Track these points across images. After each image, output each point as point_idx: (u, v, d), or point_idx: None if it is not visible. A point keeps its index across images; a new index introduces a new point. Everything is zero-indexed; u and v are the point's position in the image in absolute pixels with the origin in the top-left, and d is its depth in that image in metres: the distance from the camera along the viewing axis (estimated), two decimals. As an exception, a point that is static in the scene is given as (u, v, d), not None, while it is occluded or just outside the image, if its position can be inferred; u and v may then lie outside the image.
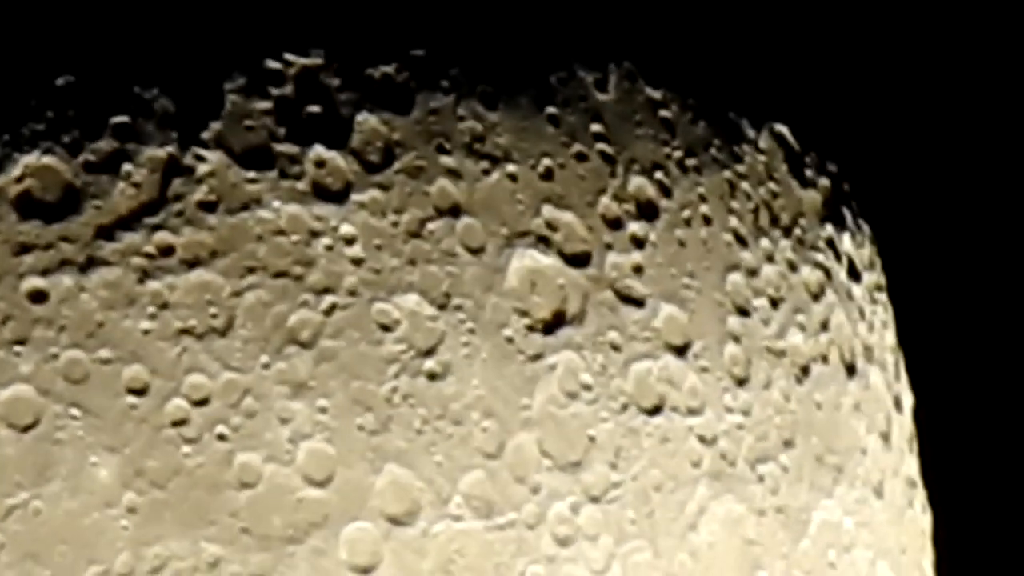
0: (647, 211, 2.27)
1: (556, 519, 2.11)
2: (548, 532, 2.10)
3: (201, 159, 1.97)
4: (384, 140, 2.07)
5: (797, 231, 2.48)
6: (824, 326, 2.49)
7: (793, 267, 2.46)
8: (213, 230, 1.96)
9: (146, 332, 1.92)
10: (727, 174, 2.39)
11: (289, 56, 2.02)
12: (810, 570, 2.39)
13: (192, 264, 1.95)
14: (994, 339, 4.42)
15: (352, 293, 2.02)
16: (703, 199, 2.34)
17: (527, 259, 2.15)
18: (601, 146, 2.23)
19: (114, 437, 1.91)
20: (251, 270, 1.98)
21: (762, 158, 2.47)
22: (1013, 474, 4.51)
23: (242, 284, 1.97)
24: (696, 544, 2.24)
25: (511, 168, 2.15)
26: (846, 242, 2.61)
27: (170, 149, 1.95)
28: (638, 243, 2.25)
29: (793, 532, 2.37)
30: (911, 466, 2.74)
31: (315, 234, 2.01)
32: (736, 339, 2.34)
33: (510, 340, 2.12)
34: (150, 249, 1.94)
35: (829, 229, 2.56)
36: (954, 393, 4.32)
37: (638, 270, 2.25)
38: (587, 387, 2.16)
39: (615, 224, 2.23)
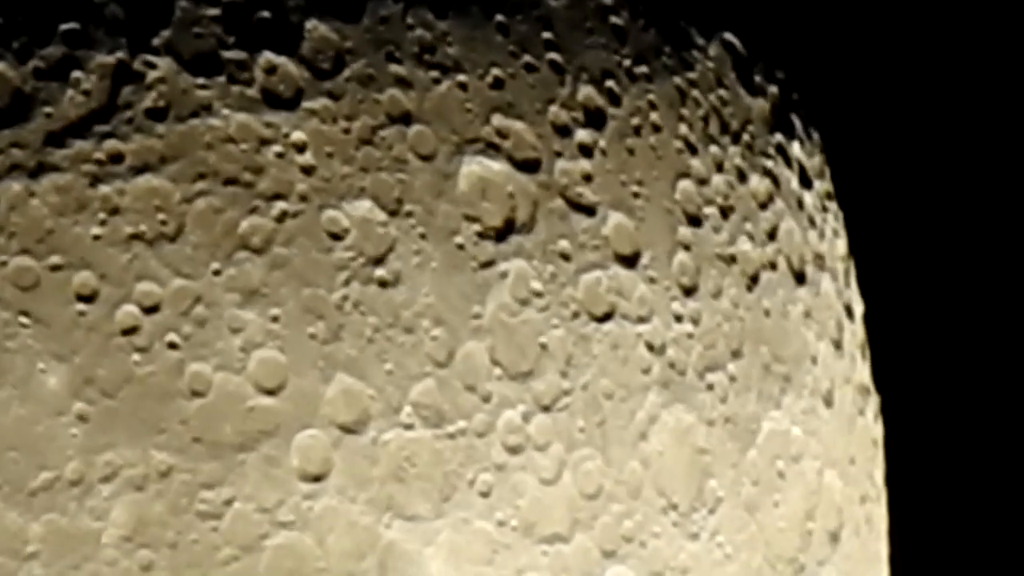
0: (596, 119, 2.33)
1: (506, 427, 2.19)
2: (498, 440, 2.19)
3: (151, 66, 2.02)
4: (334, 48, 2.13)
5: (746, 138, 2.55)
6: (773, 234, 2.57)
7: (742, 175, 2.54)
8: (163, 137, 2.02)
9: (96, 238, 1.99)
10: (677, 81, 2.46)
11: (237, -39, 2.07)
12: (758, 479, 2.48)
13: (142, 170, 2.01)
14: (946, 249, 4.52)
15: (303, 200, 2.09)
16: (653, 107, 2.41)
17: (477, 165, 2.22)
18: (551, 55, 2.29)
19: (63, 345, 1.97)
20: (201, 176, 2.04)
21: (711, 66, 2.53)
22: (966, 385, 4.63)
23: (192, 190, 2.04)
24: (647, 452, 2.33)
25: (461, 78, 2.21)
26: (795, 150, 2.68)
27: (120, 56, 2.01)
28: (587, 151, 2.32)
29: (742, 442, 2.47)
30: (863, 374, 2.83)
31: (265, 141, 2.07)
32: (686, 247, 2.42)
33: (461, 247, 2.19)
34: (100, 155, 2.00)
35: (778, 137, 2.64)
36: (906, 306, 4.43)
37: (587, 178, 2.32)
38: (538, 295, 2.24)
39: (564, 132, 2.29)
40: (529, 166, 2.27)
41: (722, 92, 2.54)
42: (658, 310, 2.37)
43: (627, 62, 2.39)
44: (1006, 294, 4.71)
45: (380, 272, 2.13)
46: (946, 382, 4.63)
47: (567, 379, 2.25)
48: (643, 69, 2.41)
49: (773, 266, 2.56)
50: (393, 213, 2.14)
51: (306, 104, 2.10)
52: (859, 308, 2.87)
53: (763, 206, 2.57)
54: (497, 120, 2.23)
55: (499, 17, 2.26)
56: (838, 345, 2.71)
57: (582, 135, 2.32)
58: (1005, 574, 4.79)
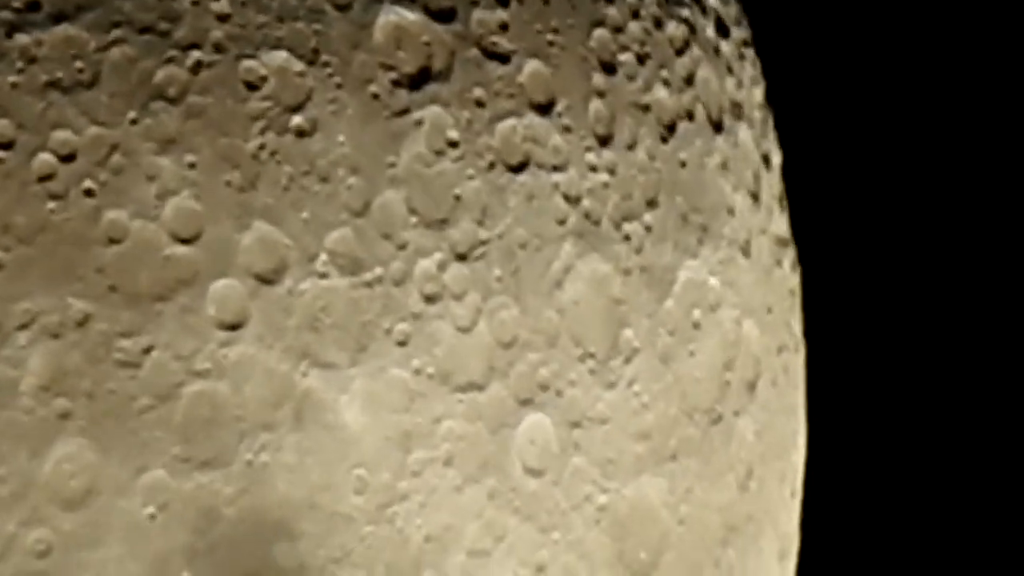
0: (513, -34, 2.42)
1: (423, 276, 2.29)
2: (415, 289, 2.28)
3: (65, -86, 2.09)
4: None
5: (662, -13, 2.63)
6: (690, 80, 2.66)
7: (659, 22, 2.61)
8: (78, -15, 2.09)
9: (13, 86, 2.06)
10: (593, -70, 2.53)
11: None
12: (674, 329, 2.59)
13: (58, 19, 2.08)
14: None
15: (219, 49, 2.17)
16: (568, -45, 2.49)
17: (393, 15, 2.30)
18: (465, -97, 2.36)
19: (-21, 192, 2.06)
20: (116, 25, 2.11)
21: (628, -88, 2.60)
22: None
23: (108, 39, 2.11)
24: (562, 302, 2.44)
25: (379, -74, 2.28)
26: (712, -2, 2.77)
27: (35, -96, 2.08)
28: (503, 1, 2.41)
29: (658, 291, 2.57)
30: (780, 225, 2.93)
31: (181, -10, 2.15)
32: (601, 95, 2.50)
33: (376, 96, 2.28)
34: (17, 4, 2.07)
35: (695, -15, 2.72)
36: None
37: (503, 27, 2.40)
38: (453, 144, 2.33)
39: (481, -20, 2.38)
40: (445, 16, 2.34)
41: (638, -60, 2.61)
42: (573, 160, 2.45)
43: (542, -91, 2.45)
44: (925, 146, 4.82)
45: (296, 121, 2.21)
46: (863, 232, 4.74)
47: (483, 228, 2.34)
48: (559, -84, 2.48)
49: (690, 116, 2.64)
50: (310, 63, 2.21)
51: (221, -47, 2.18)
52: (777, 158, 2.95)
53: (679, 52, 2.64)
54: (413, -31, 2.30)
55: None
56: (755, 196, 2.80)
57: (498, -17, 2.39)
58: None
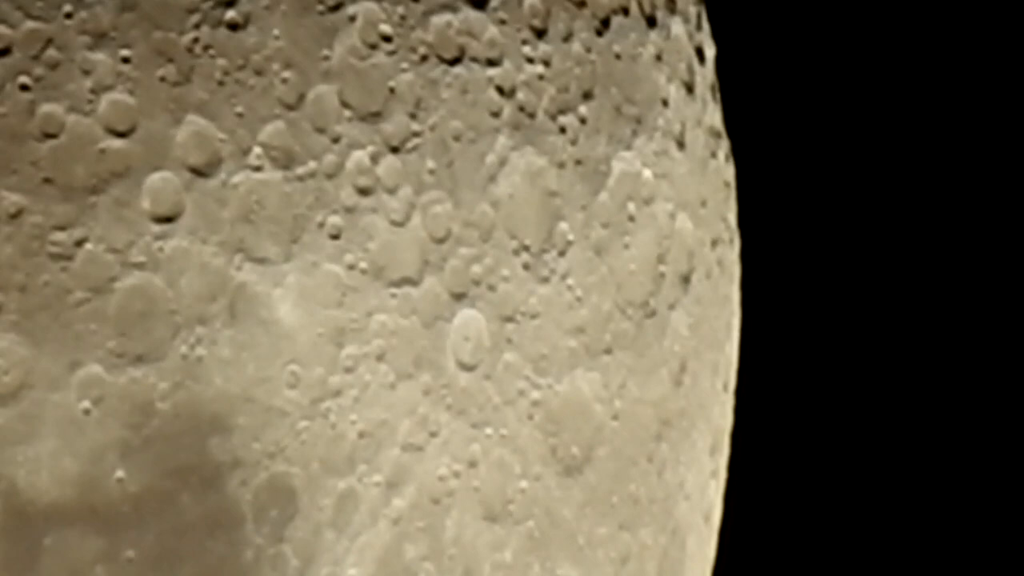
0: None
1: (356, 169, 2.35)
2: (348, 182, 2.34)
3: None
4: None
5: None
6: (623, -24, 2.70)
7: (593, -83, 2.66)
8: None
9: (-54, -18, 2.12)
10: None
11: None
12: (609, 222, 2.66)
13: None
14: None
15: (153, -57, 2.22)
16: None
17: (325, -90, 2.35)
18: None
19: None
20: (49, -80, 2.16)
21: None
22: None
23: (41, -66, 2.16)
24: (496, 195, 2.50)
25: None
26: None
27: None
28: None
29: (592, 184, 2.63)
30: (714, 117, 2.99)
31: None
32: (536, -11, 2.55)
33: (310, -10, 2.33)
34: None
35: None
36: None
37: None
38: (387, 38, 2.39)
39: None
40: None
41: None
42: (509, 53, 2.51)
43: None
44: (856, 37, 4.87)
45: (230, 15, 2.26)
46: (797, 124, 4.79)
47: (416, 121, 2.40)
48: None
49: (625, 11, 2.69)
50: (244, -43, 2.28)
51: None
52: (710, 51, 3.01)
53: (614, -53, 2.68)
54: None
55: None
56: (689, 88, 2.85)
57: None
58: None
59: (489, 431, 2.52)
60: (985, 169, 5.16)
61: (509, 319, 2.54)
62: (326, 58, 2.34)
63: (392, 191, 2.39)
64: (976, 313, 5.22)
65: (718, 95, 3.05)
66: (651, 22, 2.77)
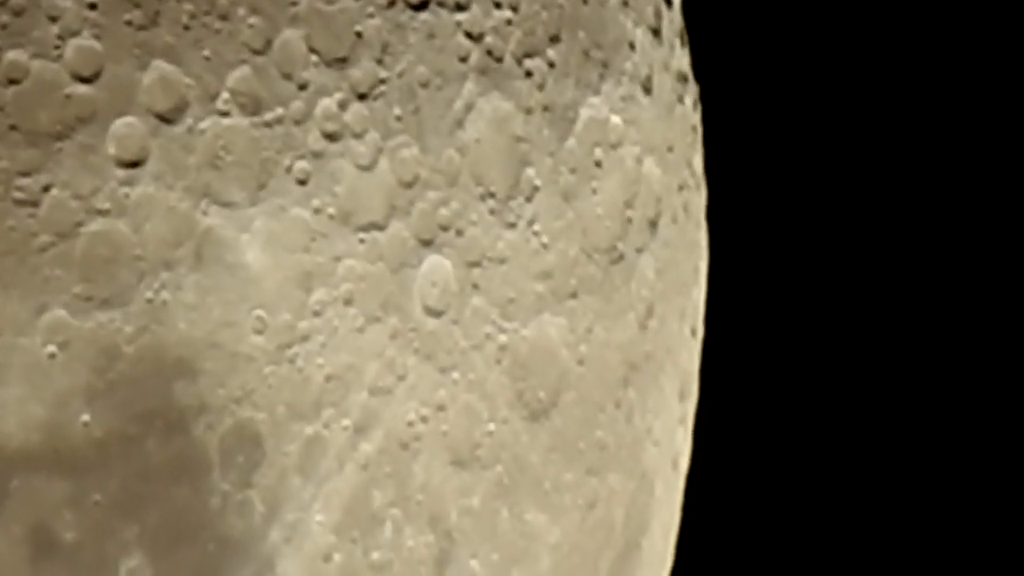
0: None
1: (323, 115, 2.37)
2: (315, 128, 2.36)
3: None
4: None
5: None
6: (590, -80, 2.71)
7: None
8: None
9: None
10: None
11: None
12: (576, 167, 2.68)
13: None
14: None
15: None
16: None
17: None
18: None
19: None
20: None
21: None
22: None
23: None
24: (464, 141, 2.52)
25: None
26: None
27: None
28: None
29: (560, 129, 2.65)
30: (681, 61, 3.01)
31: None
32: (503, -66, 2.56)
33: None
34: None
35: None
36: None
37: None
38: None
39: None
40: None
41: None
42: None
43: None
44: None
45: None
46: (764, 70, 4.81)
47: (383, 67, 2.41)
48: None
49: None
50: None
51: None
52: None
53: None
54: None
55: None
56: (656, 32, 2.87)
57: None
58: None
59: (456, 376, 2.55)
60: (954, 120, 5.18)
61: (476, 264, 2.56)
62: (293, 3, 2.35)
63: (359, 136, 2.40)
64: (952, 275, 5.25)
65: (686, 40, 3.06)
66: (618, -35, 2.79)
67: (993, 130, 5.13)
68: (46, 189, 2.21)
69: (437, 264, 2.51)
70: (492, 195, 2.56)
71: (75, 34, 2.21)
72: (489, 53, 2.55)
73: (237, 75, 2.31)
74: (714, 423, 3.47)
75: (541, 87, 2.62)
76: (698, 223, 3.12)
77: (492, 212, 2.56)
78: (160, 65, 2.26)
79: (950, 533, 5.23)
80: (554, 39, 2.63)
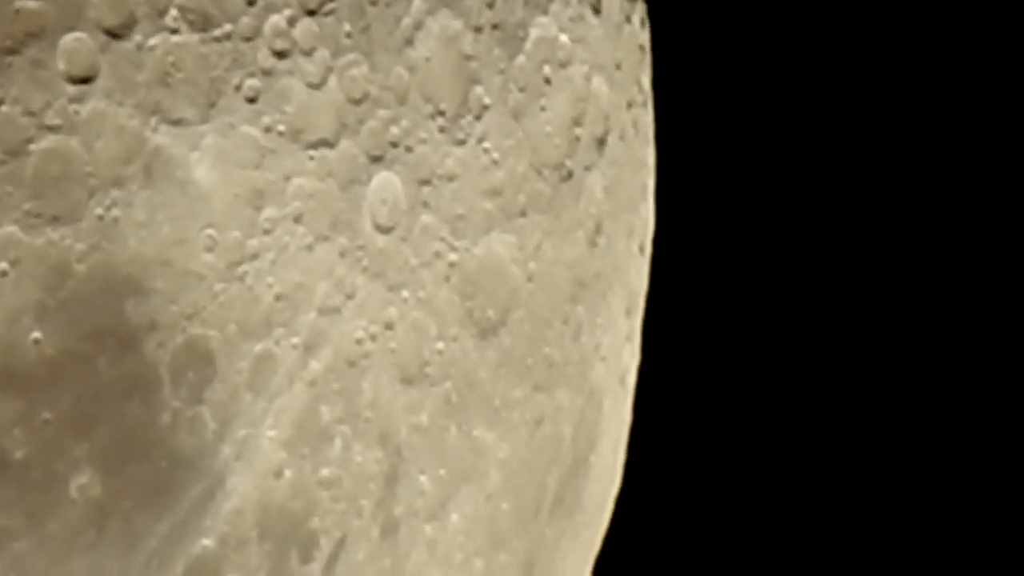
0: None
1: (273, 32, 2.38)
2: (265, 45, 2.37)
3: None
4: None
5: None
6: None
7: None
8: None
9: None
10: None
11: None
12: (525, 86, 2.70)
13: None
14: None
15: None
16: None
17: None
18: None
19: None
20: None
21: None
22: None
23: None
24: (413, 59, 2.53)
25: None
26: None
27: None
28: None
29: (509, 48, 2.67)
30: None
31: None
32: None
33: None
34: None
35: None
36: None
37: None
38: None
39: None
40: None
41: None
42: None
43: None
44: None
45: None
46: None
47: None
48: None
49: None
50: None
51: None
52: None
53: None
54: None
55: None
56: None
57: None
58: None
59: (406, 293, 2.57)
60: (931, 85, 5.21)
61: (426, 182, 2.58)
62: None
63: (309, 54, 2.41)
64: (928, 238, 5.28)
65: (635, -42, 3.08)
66: None
67: (979, 119, 5.16)
68: (-3, 105, 2.21)
69: (387, 181, 2.52)
70: (442, 113, 2.58)
71: None
72: (438, -30, 2.56)
73: (186, -9, 2.32)
74: (663, 340, 3.50)
75: (491, 5, 2.64)
76: (646, 140, 3.15)
77: (442, 130, 2.58)
78: (110, -5, 2.26)
79: (926, 520, 5.28)
80: (502, -27, 2.65)
